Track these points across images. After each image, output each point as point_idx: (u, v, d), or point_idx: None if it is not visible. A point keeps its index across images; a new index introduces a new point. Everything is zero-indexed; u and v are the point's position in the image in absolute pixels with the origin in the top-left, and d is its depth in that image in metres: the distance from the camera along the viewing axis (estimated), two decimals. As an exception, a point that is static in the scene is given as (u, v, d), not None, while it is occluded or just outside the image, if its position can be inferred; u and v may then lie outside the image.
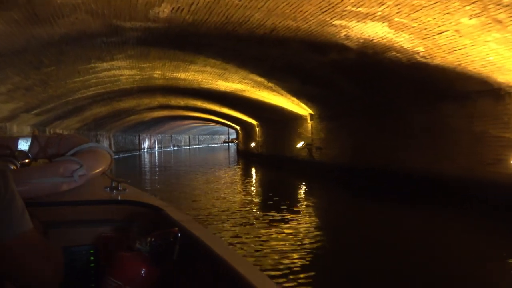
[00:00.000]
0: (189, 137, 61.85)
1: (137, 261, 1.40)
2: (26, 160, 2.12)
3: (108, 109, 22.49)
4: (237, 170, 21.22)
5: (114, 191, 2.06)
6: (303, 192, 12.35)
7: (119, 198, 1.96)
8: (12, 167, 1.93)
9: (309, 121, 14.93)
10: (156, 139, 47.50)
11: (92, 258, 1.75)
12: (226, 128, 56.49)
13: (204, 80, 14.48)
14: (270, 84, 12.72)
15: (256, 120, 23.05)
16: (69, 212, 1.81)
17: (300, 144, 15.32)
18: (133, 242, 1.47)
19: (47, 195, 1.81)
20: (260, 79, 12.34)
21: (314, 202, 10.55)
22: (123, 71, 12.65)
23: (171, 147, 53.34)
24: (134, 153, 37.21)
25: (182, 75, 13.69)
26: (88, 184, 2.08)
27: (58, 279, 1.09)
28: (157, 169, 22.82)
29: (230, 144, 59.77)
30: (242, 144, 30.89)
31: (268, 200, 10.26)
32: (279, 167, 18.71)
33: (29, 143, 2.21)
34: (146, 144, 43.98)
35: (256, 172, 19.62)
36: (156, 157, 36.08)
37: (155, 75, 13.88)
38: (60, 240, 1.53)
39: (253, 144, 24.01)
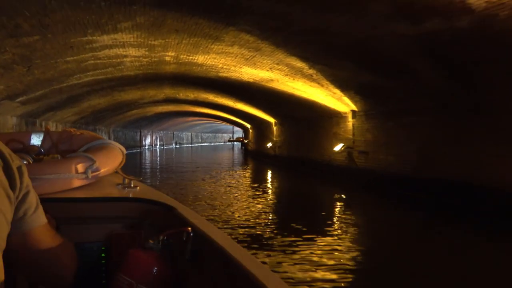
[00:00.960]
0: (191, 134, 60.25)
1: (149, 259, 1.37)
2: (39, 156, 2.07)
3: (108, 101, 19.97)
4: (251, 174, 18.67)
5: (126, 189, 2.02)
6: (344, 209, 9.79)
7: (130, 195, 1.91)
8: (25, 162, 1.84)
9: (350, 119, 12.38)
10: (158, 136, 45.62)
11: (103, 255, 1.72)
12: (229, 126, 54.93)
13: (225, 67, 11.95)
14: (311, 71, 10.18)
15: (274, 118, 20.50)
16: (81, 209, 1.79)
17: (338, 147, 12.76)
18: (145, 240, 1.45)
19: (59, 191, 1.79)
20: (300, 64, 9.80)
21: (363, 225, 8.00)
22: (128, 50, 10.11)
23: (173, 144, 51.18)
24: (135, 150, 34.78)
25: (200, 58, 11.16)
26: (100, 181, 2.07)
27: (70, 275, 1.10)
28: (158, 171, 20.29)
29: (234, 143, 57.74)
30: (254, 143, 28.32)
31: (296, 219, 7.77)
32: (305, 172, 16.15)
33: (41, 138, 2.19)
34: (148, 141, 41.91)
35: (275, 178, 17.08)
36: (158, 155, 33.68)
37: (167, 58, 11.35)
38: (71, 236, 1.32)
39: (269, 145, 21.46)
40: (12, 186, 0.92)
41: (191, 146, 57.38)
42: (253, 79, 12.95)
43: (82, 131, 2.39)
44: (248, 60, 10.67)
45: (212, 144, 68.66)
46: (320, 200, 11.21)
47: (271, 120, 21.18)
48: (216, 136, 73.45)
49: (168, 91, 19.74)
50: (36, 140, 2.20)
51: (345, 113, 12.71)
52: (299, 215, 8.50)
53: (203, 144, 64.77)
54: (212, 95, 19.64)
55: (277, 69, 10.93)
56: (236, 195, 11.10)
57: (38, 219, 1.00)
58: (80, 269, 1.16)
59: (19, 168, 0.96)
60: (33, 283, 1.18)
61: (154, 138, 44.26)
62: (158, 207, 1.78)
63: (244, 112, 22.66)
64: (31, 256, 1.00)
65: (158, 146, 45.30)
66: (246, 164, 24.12)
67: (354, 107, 11.99)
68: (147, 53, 10.63)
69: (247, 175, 17.84)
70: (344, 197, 11.22)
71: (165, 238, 1.42)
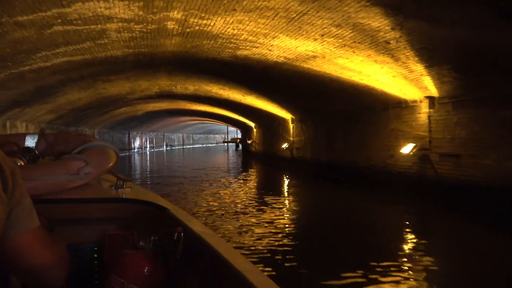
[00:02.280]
0: (182, 136, 57.53)
1: (141, 259, 1.37)
2: (33, 157, 2.05)
3: (90, 95, 16.39)
4: (265, 184, 15.25)
5: (119, 190, 2.04)
6: (431, 250, 6.41)
7: (124, 196, 1.94)
8: (19, 164, 1.86)
9: (425, 109, 8.94)
10: (148, 138, 42.43)
11: (96, 255, 1.72)
12: (223, 126, 52.09)
13: (250, 38, 8.52)
14: (392, 35, 6.77)
15: (293, 113, 17.05)
16: (74, 210, 1.79)
17: (407, 148, 9.22)
18: (137, 240, 1.46)
19: (52, 192, 1.79)
20: (379, 22, 6.39)
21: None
22: (113, 5, 6.64)
23: (164, 147, 47.77)
24: (123, 154, 31.10)
25: (217, 23, 7.71)
26: (93, 182, 2.09)
27: (63, 276, 1.11)
28: (149, 183, 16.79)
29: (229, 144, 54.33)
30: (260, 144, 24.83)
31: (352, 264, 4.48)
32: (341, 181, 12.70)
33: (36, 140, 2.20)
34: (137, 143, 38.56)
35: (300, 189, 13.65)
36: (148, 159, 30.35)
37: (169, 24, 7.90)
38: (64, 237, 1.44)
39: (284, 146, 17.98)
40: (5, 188, 0.91)
41: (183, 148, 54.26)
42: (284, 57, 9.51)
43: (78, 133, 2.36)
44: (291, 23, 7.23)
45: (204, 145, 65.71)
46: (379, 227, 7.77)
47: (287, 116, 17.75)
48: (208, 137, 70.68)
49: (164, 83, 16.21)
50: (30, 142, 2.17)
51: (415, 101, 9.28)
52: (355, 257, 5.12)
53: (195, 146, 61.58)
54: (217, 87, 16.13)
55: (333, 37, 7.49)
56: (255, 216, 7.67)
57: (32, 222, 0.99)
58: (73, 270, 1.16)
59: (13, 171, 0.94)
60: (25, 285, 1.19)
61: (143, 140, 41.17)
62: (151, 208, 1.77)
63: (252, 108, 19.18)
64: (24, 258, 0.99)
65: (148, 148, 42.10)
66: (253, 169, 20.68)
67: (433, 92, 8.55)
68: (141, 13, 7.14)
69: (259, 185, 14.38)
70: (423, 222, 7.84)
71: (156, 238, 1.40)
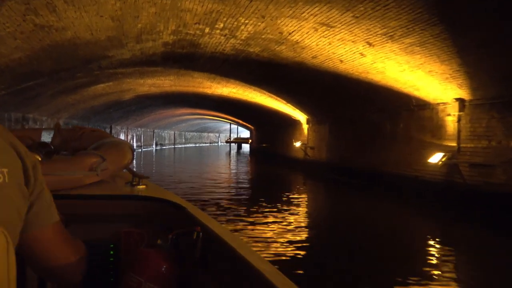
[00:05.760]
0: (174, 133, 51.42)
1: (158, 257, 1.35)
2: (48, 153, 2.00)
3: (35, 45, 7.07)
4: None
5: (135, 187, 1.99)
6: None
7: (140, 194, 1.88)
8: None
9: None
10: (135, 135, 35.17)
11: (112, 252, 1.67)
12: (218, 124, 47.51)
13: None
14: None
15: (468, 89, 7.92)
16: (90, 206, 1.75)
17: None
18: (154, 238, 1.44)
19: (68, 188, 1.75)
20: None
21: None
22: None
23: (154, 146, 40.53)
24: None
25: None
26: (109, 179, 2.07)
27: (80, 273, 1.11)
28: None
29: (232, 144, 46.57)
30: (323, 151, 15.60)
31: None
32: None
33: (51, 135, 2.20)
34: None
35: None
36: (135, 166, 21.45)
37: None
38: (80, 234, 1.32)
39: (436, 158, 8.67)
40: (27, 182, 0.90)
41: (174, 147, 47.11)
42: None
43: (93, 129, 2.33)
44: None
45: (197, 145, 58.21)
46: None
47: (441, 96, 8.68)
48: (201, 136, 64.62)
49: (190, 16, 7.01)
50: (46, 137, 2.15)
51: None
52: None
53: (187, 145, 54.21)
54: (305, 27, 6.96)
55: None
56: None
57: (52, 217, 0.99)
58: (88, 267, 1.17)
59: (34, 165, 0.93)
60: (42, 279, 1.20)
61: (129, 137, 33.48)
62: (168, 206, 1.74)
63: (339, 81, 10.09)
64: (42, 253, 0.99)
65: (135, 148, 33.15)
66: (327, 204, 11.62)
67: None
68: None
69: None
70: None
71: (174, 237, 1.38)
